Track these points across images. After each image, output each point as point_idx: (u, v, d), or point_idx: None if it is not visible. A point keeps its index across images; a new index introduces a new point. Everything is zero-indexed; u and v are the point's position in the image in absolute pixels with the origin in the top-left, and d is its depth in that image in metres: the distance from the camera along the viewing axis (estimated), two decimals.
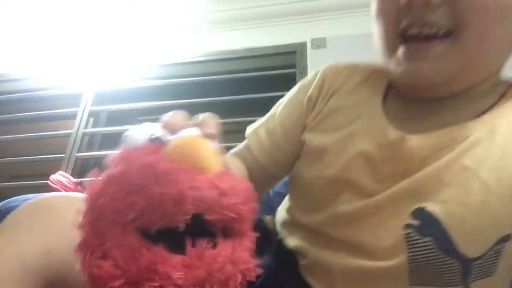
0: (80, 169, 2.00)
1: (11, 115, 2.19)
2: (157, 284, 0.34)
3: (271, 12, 2.16)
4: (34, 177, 1.94)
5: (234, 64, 2.12)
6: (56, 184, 1.73)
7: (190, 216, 0.36)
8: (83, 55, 2.25)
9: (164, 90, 2.14)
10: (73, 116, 2.10)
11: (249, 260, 0.40)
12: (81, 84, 2.19)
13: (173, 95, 2.08)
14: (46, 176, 1.78)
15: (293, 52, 2.06)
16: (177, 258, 0.36)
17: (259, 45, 2.12)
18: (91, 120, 2.16)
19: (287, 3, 2.14)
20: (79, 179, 1.82)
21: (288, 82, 1.99)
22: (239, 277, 0.38)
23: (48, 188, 1.70)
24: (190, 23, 2.22)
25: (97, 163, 2.10)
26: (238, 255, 0.39)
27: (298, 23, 2.15)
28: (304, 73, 1.97)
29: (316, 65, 1.98)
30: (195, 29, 2.22)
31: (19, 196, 1.22)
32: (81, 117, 2.08)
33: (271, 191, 1.13)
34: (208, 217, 0.37)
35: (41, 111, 2.17)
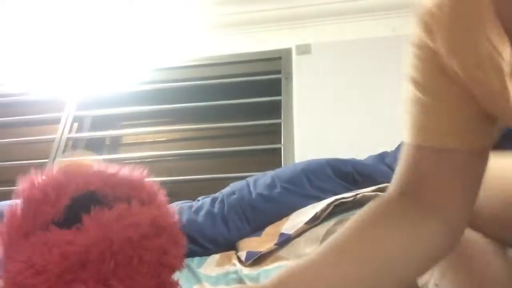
0: None
1: None
2: (57, 250, 0.41)
3: (256, 18, 2.18)
4: (17, 183, 1.91)
5: (220, 70, 2.13)
6: None
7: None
8: (68, 60, 2.23)
9: (149, 95, 2.14)
10: (57, 121, 2.09)
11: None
12: (66, 89, 2.17)
13: (158, 100, 2.07)
14: None
15: (278, 58, 2.08)
16: (73, 228, 0.42)
17: (245, 51, 2.13)
18: (75, 125, 2.14)
19: (272, 9, 2.16)
20: None
21: (273, 87, 2.00)
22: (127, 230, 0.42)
23: None
24: (176, 29, 2.22)
25: None
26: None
27: (284, 29, 2.17)
28: (289, 79, 1.99)
29: (301, 71, 2.00)
30: (180, 35, 2.22)
31: (2, 202, 1.21)
32: (65, 122, 2.07)
33: (253, 193, 1.14)
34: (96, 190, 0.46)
35: (25, 115, 2.15)
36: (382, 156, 1.25)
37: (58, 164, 0.49)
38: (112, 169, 0.49)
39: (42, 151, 2.02)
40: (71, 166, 0.48)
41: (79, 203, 0.44)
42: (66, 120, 2.08)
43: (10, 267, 0.41)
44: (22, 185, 0.48)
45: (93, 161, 0.50)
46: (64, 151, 1.99)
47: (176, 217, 0.51)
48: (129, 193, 0.46)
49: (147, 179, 0.51)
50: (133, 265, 0.42)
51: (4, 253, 0.43)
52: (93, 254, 0.40)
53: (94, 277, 0.41)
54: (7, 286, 0.41)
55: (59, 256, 0.40)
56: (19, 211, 0.45)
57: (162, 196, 0.50)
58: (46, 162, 1.93)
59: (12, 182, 1.84)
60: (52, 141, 2.01)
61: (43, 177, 0.47)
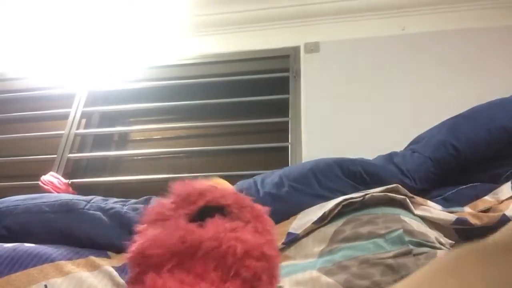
0: (72, 170, 1.99)
1: (3, 115, 2.17)
2: (179, 233, 0.51)
3: (265, 15, 2.17)
4: (25, 178, 1.93)
5: (228, 67, 2.13)
6: (47, 185, 1.72)
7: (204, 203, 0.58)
8: (76, 56, 2.24)
9: (157, 92, 2.14)
10: (65, 117, 2.09)
11: (244, 239, 0.52)
12: (74, 85, 2.18)
13: (167, 97, 2.08)
14: (37, 177, 1.77)
15: (287, 56, 2.07)
16: (197, 224, 0.53)
17: (253, 49, 2.13)
18: (83, 121, 2.15)
19: (281, 7, 2.15)
20: (70, 180, 1.81)
21: (281, 85, 2.00)
22: (240, 244, 0.51)
23: (39, 189, 1.69)
24: (185, 25, 2.22)
25: (89, 164, 2.09)
26: (235, 232, 0.53)
27: (292, 27, 2.16)
28: (297, 77, 1.98)
29: (310, 69, 1.99)
30: (190, 31, 2.22)
31: (9, 197, 1.22)
32: (73, 118, 2.07)
33: (261, 191, 1.13)
34: (223, 203, 0.58)
35: (34, 111, 2.16)
36: (391, 156, 1.24)
37: (211, 179, 0.68)
38: (245, 198, 0.61)
39: (50, 146, 2.03)
40: (218, 183, 0.62)
41: (210, 210, 0.55)
42: (75, 116, 2.08)
43: (140, 240, 0.51)
44: (177, 184, 0.61)
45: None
46: (72, 146, 2.00)
47: (278, 257, 0.58)
48: (249, 218, 0.56)
49: (267, 215, 0.62)
50: (229, 274, 0.48)
51: (141, 230, 0.54)
52: (204, 247, 0.49)
53: (198, 268, 0.48)
54: (131, 253, 0.50)
55: (179, 238, 0.50)
56: (167, 201, 0.57)
57: (274, 235, 0.59)
58: (54, 157, 1.94)
59: (21, 177, 1.85)
60: (60, 136, 2.02)
61: (194, 183, 0.60)
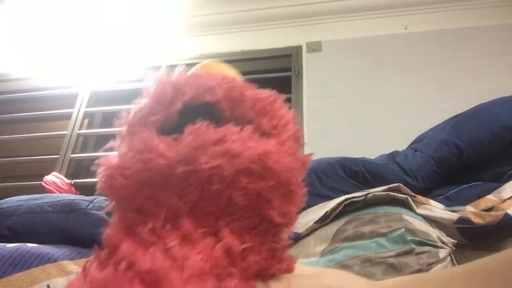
0: (74, 170, 1.99)
1: (6, 115, 2.18)
2: (144, 156, 0.36)
3: (267, 15, 2.17)
4: (28, 178, 1.93)
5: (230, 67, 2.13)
6: (49, 185, 1.72)
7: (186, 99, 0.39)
8: (78, 57, 2.25)
9: None
10: (68, 117, 2.10)
11: (247, 140, 0.36)
12: (76, 85, 2.18)
13: None
14: (40, 177, 1.78)
15: (289, 55, 2.07)
16: (171, 138, 0.37)
17: (255, 48, 2.13)
18: (86, 121, 2.15)
19: (283, 6, 2.15)
20: (73, 180, 1.81)
21: (283, 85, 2.00)
22: (243, 154, 0.35)
23: (41, 189, 1.69)
24: (187, 25, 2.22)
25: (91, 164, 2.09)
26: (236, 136, 0.36)
27: (294, 26, 2.16)
28: (299, 76, 1.98)
29: (312, 69, 1.99)
30: (192, 31, 2.22)
31: (12, 198, 1.22)
32: (76, 118, 2.08)
33: None
34: (209, 98, 0.39)
35: (36, 111, 2.16)
36: (393, 155, 1.24)
37: (204, 65, 0.49)
38: (246, 87, 0.43)
39: (53, 146, 2.04)
40: (213, 68, 0.44)
41: (198, 111, 0.38)
42: (77, 116, 2.09)
43: (104, 165, 0.38)
44: (155, 80, 0.44)
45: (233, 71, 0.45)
46: (74, 147, 2.00)
47: (306, 165, 0.42)
48: (251, 116, 0.39)
49: (287, 108, 0.43)
50: (220, 203, 0.35)
51: (117, 143, 0.41)
52: (177, 173, 0.35)
53: (173, 203, 0.35)
54: (102, 177, 0.38)
55: (144, 162, 0.35)
56: (140, 105, 0.42)
57: (296, 134, 0.41)
58: (57, 157, 1.94)
59: (24, 177, 1.86)
60: (62, 137, 2.03)
61: (172, 77, 0.43)
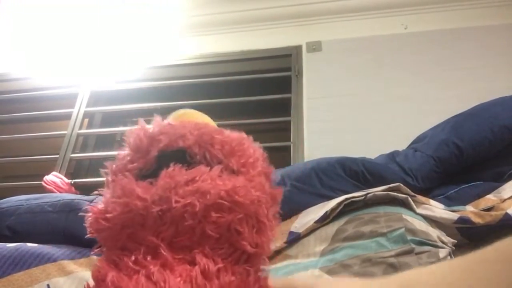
0: (74, 170, 1.99)
1: (5, 115, 2.18)
2: (122, 200, 0.40)
3: (267, 15, 2.17)
4: (28, 178, 1.93)
5: (230, 67, 2.13)
6: (49, 185, 1.72)
7: (161, 147, 0.43)
8: (78, 56, 2.25)
9: (159, 92, 2.14)
10: (67, 117, 2.10)
11: (217, 186, 0.39)
12: (76, 85, 2.18)
13: (168, 97, 2.08)
14: (40, 177, 1.78)
15: (289, 55, 2.07)
16: (147, 182, 0.41)
17: (255, 48, 2.12)
18: (86, 121, 2.15)
19: (283, 6, 2.15)
20: (73, 180, 1.81)
21: (283, 85, 1.99)
22: (215, 192, 0.39)
23: (41, 189, 1.69)
24: (187, 25, 2.22)
25: (91, 164, 2.09)
26: (205, 176, 0.40)
27: (294, 26, 2.15)
28: (299, 76, 1.98)
29: (312, 68, 1.99)
30: (192, 30, 2.22)
31: (12, 197, 1.22)
32: (76, 118, 2.08)
33: None
34: (182, 144, 0.43)
35: (36, 111, 2.16)
36: (393, 155, 1.24)
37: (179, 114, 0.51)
38: (218, 131, 0.46)
39: (53, 146, 2.03)
40: (187, 116, 0.47)
41: (172, 157, 0.42)
42: (77, 116, 2.09)
43: (93, 210, 0.43)
44: (130, 132, 0.47)
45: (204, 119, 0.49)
46: (74, 146, 2.00)
47: (276, 199, 0.46)
48: (220, 157, 0.42)
49: (253, 147, 0.46)
50: (195, 237, 0.38)
51: (104, 191, 0.45)
52: (152, 213, 0.38)
53: (151, 240, 0.38)
54: (89, 222, 0.42)
55: (123, 206, 0.39)
56: (121, 155, 0.47)
57: (265, 170, 0.45)
58: (57, 157, 1.94)
59: (24, 177, 1.86)
60: (62, 136, 2.03)
61: (147, 127, 0.47)
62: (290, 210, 1.07)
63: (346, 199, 0.98)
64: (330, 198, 1.06)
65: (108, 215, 0.40)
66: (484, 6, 1.98)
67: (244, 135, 0.48)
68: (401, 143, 1.35)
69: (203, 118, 0.55)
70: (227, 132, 0.47)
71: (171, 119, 0.50)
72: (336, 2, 2.10)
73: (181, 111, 0.58)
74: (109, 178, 0.45)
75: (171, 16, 2.22)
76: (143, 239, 0.39)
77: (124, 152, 0.46)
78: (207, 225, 0.38)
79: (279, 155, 1.84)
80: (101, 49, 2.24)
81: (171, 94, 2.10)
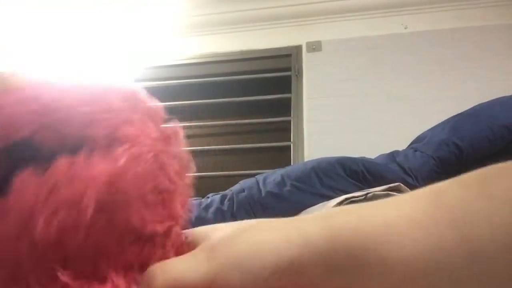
0: None
1: None
2: None
3: (267, 14, 2.17)
4: None
5: (230, 66, 2.13)
6: None
7: None
8: (78, 56, 2.24)
9: (158, 92, 2.14)
10: None
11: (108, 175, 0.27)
12: None
13: (168, 97, 2.08)
14: None
15: (289, 55, 2.07)
16: None
17: (255, 48, 2.13)
18: None
19: (283, 6, 2.15)
20: None
21: (283, 85, 2.00)
22: (90, 196, 0.27)
23: None
24: (187, 25, 2.22)
25: None
26: (83, 171, 0.27)
27: (294, 26, 2.16)
28: (299, 76, 1.98)
29: (312, 68, 1.99)
30: (192, 30, 2.22)
31: None
32: None
33: (263, 190, 1.13)
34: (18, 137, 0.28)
35: None
36: (393, 155, 1.24)
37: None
38: (63, 89, 0.30)
39: None
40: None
41: (16, 155, 0.27)
42: None
43: None
44: None
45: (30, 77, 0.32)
46: None
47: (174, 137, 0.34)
48: (84, 132, 0.28)
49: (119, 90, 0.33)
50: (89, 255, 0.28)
51: None
52: (8, 251, 0.27)
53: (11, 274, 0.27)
54: None
55: None
56: None
57: (145, 112, 0.33)
58: None
59: None
60: None
61: None
62: (290, 210, 1.07)
63: (346, 199, 0.98)
64: (330, 198, 1.06)
65: None
66: (484, 6, 1.98)
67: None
68: (401, 143, 1.35)
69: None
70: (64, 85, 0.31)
71: None
72: (336, 2, 2.10)
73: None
74: None
75: (171, 16, 2.22)
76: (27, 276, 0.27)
77: None
78: (101, 236, 0.28)
79: (279, 155, 1.85)
80: (100, 49, 2.24)
81: (170, 94, 2.10)
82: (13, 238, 0.26)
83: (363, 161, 1.17)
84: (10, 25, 2.31)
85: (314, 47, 2.05)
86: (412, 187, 1.04)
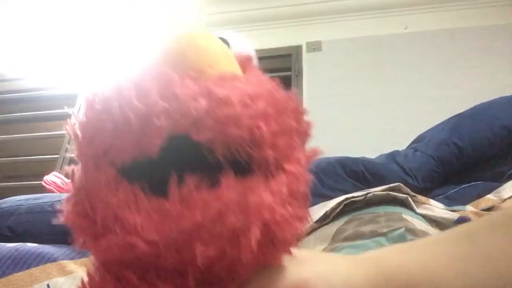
0: None
1: (5, 115, 2.18)
2: (118, 239, 0.24)
3: (267, 15, 2.17)
4: (28, 178, 1.93)
5: None
6: (50, 185, 1.72)
7: (166, 138, 0.24)
8: (78, 56, 2.24)
9: None
10: (68, 117, 2.09)
11: (275, 207, 0.25)
12: (76, 85, 2.18)
13: None
14: (40, 177, 1.77)
15: (289, 55, 2.07)
16: (153, 203, 0.24)
17: (255, 48, 2.12)
18: None
19: (283, 6, 2.15)
20: None
21: (283, 85, 2.00)
22: (257, 231, 0.24)
23: (42, 189, 1.69)
24: (186, 25, 2.22)
25: None
26: (254, 200, 0.25)
27: (294, 26, 2.16)
28: (299, 76, 1.98)
29: (312, 68, 1.99)
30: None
31: (12, 197, 1.22)
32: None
33: None
34: (196, 137, 0.24)
35: (36, 111, 2.16)
36: (393, 155, 1.24)
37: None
38: (236, 79, 0.28)
39: (53, 146, 2.03)
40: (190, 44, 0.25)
41: (176, 153, 0.25)
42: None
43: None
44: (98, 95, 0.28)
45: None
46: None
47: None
48: (254, 151, 0.25)
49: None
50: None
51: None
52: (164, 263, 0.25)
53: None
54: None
55: (118, 247, 0.25)
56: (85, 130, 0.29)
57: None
58: (57, 157, 1.94)
59: (24, 177, 1.85)
60: (62, 136, 2.03)
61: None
62: None
63: (346, 198, 0.97)
64: (330, 198, 1.05)
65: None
66: (484, 6, 1.98)
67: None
68: (401, 143, 1.35)
69: (227, 60, 0.30)
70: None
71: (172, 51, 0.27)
72: (336, 2, 2.10)
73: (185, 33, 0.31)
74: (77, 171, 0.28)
75: (171, 16, 2.22)
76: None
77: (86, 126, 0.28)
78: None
79: None
80: (100, 49, 2.24)
81: None
82: (165, 250, 0.25)
83: (363, 161, 1.17)
84: (15, 24, 2.31)
85: (314, 47, 2.05)
86: (412, 187, 1.04)
